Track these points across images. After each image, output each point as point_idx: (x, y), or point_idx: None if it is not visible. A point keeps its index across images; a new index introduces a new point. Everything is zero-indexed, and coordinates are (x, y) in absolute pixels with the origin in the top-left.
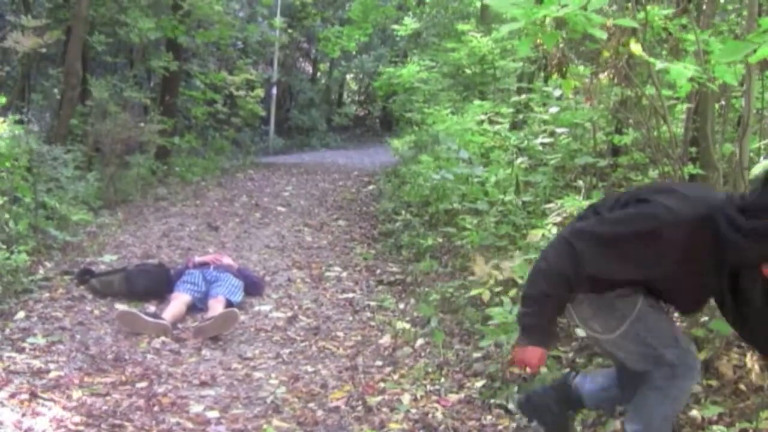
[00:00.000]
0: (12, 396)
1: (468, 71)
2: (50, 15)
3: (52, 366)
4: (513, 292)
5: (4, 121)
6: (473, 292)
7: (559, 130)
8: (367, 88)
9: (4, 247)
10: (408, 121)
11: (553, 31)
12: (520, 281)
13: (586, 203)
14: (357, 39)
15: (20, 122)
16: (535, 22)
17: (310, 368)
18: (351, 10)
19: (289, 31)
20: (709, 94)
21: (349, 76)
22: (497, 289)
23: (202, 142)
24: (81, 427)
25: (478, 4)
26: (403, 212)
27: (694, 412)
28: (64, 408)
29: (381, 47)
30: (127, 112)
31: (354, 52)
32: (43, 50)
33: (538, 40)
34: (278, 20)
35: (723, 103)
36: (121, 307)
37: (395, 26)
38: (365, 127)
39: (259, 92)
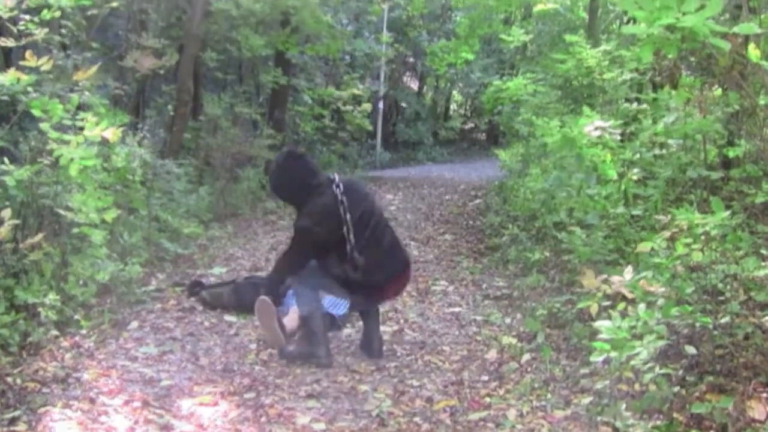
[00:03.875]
0: (125, 403)
1: (575, 83)
2: (163, 33)
3: (163, 375)
4: (622, 305)
5: (123, 138)
6: (581, 305)
7: (671, 142)
8: (474, 100)
9: (119, 258)
10: (515, 133)
11: (675, 38)
12: (630, 296)
13: (698, 217)
14: (463, 59)
15: (138, 143)
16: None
17: (415, 382)
18: (458, 26)
19: (396, 45)
20: None
21: (454, 90)
22: (605, 303)
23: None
24: None
25: (586, 17)
26: (510, 226)
27: None
28: (175, 416)
29: (486, 59)
30: (237, 127)
31: (460, 66)
32: (161, 71)
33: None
34: (385, 34)
35: None
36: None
37: (503, 36)
38: (471, 141)
39: (367, 107)
